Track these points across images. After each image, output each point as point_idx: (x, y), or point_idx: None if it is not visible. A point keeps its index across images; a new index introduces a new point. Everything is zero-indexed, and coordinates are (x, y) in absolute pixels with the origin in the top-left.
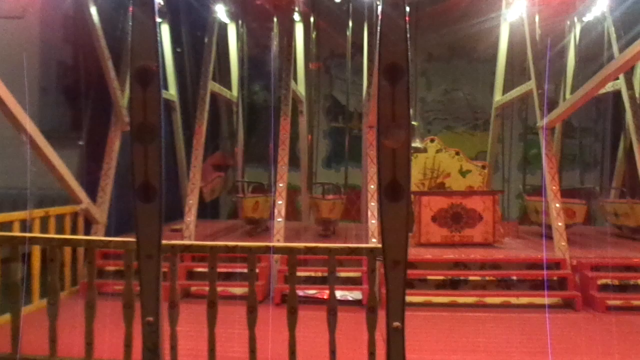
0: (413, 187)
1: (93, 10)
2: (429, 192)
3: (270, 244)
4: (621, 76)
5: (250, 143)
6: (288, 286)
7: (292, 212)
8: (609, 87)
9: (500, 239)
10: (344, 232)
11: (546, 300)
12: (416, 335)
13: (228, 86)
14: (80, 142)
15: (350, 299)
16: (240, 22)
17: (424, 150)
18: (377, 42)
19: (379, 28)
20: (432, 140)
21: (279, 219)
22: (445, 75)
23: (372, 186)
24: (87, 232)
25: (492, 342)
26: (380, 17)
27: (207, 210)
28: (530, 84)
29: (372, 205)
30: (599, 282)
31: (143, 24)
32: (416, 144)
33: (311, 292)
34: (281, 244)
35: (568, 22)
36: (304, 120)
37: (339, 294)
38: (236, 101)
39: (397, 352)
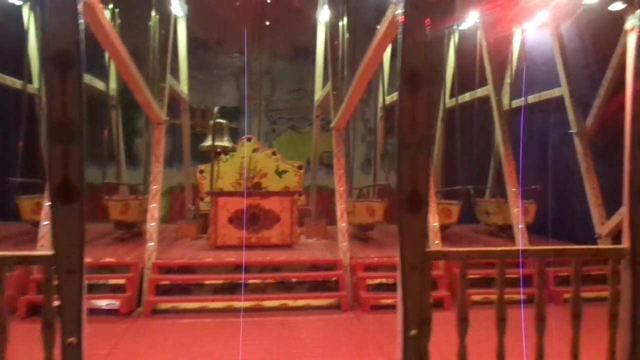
0: (228, 187)
1: None
2: (225, 193)
3: None
4: (490, 83)
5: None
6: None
7: None
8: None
9: (297, 240)
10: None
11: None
12: (167, 345)
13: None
14: None
15: (105, 307)
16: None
17: (233, 149)
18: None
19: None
20: (248, 140)
21: (45, 222)
22: (291, 74)
23: (155, 186)
24: None
25: (237, 348)
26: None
27: None
28: (329, 86)
29: (152, 206)
30: (374, 282)
31: None
32: (224, 142)
33: None
34: None
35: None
36: (116, 115)
37: (104, 302)
38: (37, 93)
39: None
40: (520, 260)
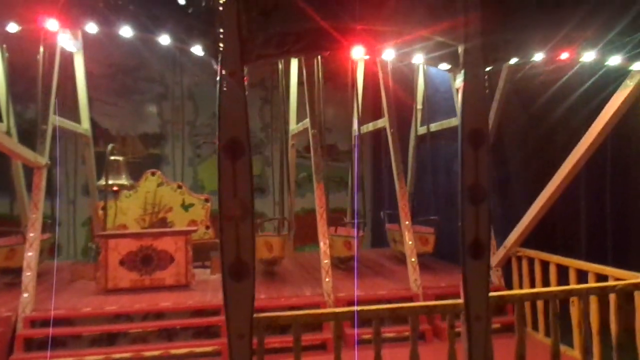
0: (132, 224)
1: None
2: (116, 235)
3: None
4: (386, 115)
5: None
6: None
7: None
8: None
9: (192, 280)
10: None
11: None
12: None
13: None
14: None
15: None
16: None
17: (131, 187)
18: None
19: None
20: (152, 174)
21: None
22: (214, 98)
23: (32, 234)
24: None
25: None
26: None
27: None
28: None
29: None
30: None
31: None
32: (121, 180)
33: None
34: None
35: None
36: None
37: None
38: None
39: None
40: (356, 319)
